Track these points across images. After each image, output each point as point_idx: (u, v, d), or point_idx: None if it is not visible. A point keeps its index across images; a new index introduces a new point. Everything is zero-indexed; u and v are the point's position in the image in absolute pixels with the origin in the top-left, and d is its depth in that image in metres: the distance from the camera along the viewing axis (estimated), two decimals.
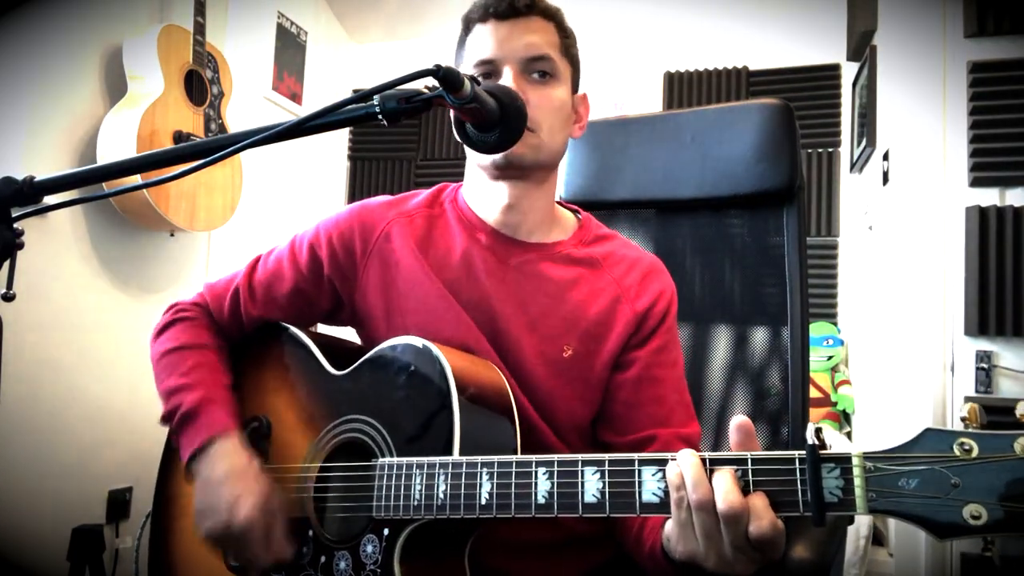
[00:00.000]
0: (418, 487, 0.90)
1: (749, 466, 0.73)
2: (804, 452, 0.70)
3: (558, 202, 1.19)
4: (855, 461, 0.68)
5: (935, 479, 0.66)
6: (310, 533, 1.00)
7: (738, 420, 0.76)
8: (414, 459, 0.91)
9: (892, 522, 2.65)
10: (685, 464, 0.74)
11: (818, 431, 0.70)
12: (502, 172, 1.05)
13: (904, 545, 2.48)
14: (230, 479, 0.98)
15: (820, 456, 0.70)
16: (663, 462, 0.77)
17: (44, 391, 2.34)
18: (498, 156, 1.01)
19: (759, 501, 0.71)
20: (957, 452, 0.66)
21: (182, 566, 1.12)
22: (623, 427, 1.06)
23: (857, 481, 0.68)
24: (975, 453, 0.65)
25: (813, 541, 1.13)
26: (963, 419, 0.69)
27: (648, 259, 1.14)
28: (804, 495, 0.70)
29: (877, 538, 2.73)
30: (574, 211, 1.19)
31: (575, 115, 1.14)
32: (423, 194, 1.17)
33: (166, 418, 1.08)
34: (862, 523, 2.55)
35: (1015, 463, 0.64)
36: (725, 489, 0.71)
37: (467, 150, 1.07)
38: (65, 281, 2.43)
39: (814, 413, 3.02)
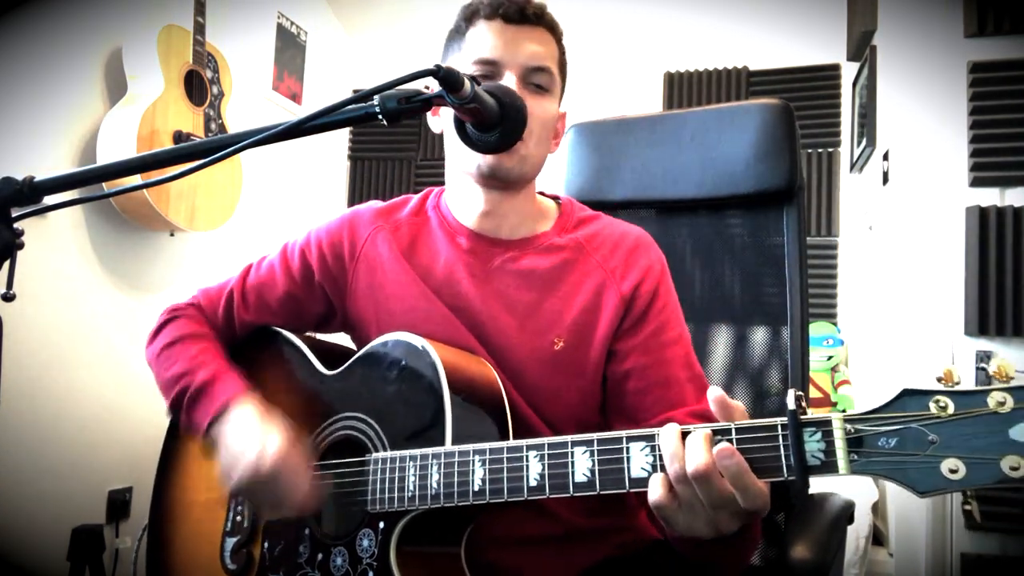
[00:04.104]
0: (412, 478, 0.90)
1: (733, 435, 0.75)
2: (786, 418, 0.72)
3: (539, 192, 1.18)
4: (836, 423, 0.71)
5: (913, 437, 0.68)
6: (307, 531, 1.00)
7: (713, 393, 0.77)
8: (407, 452, 0.92)
9: (892, 522, 2.65)
10: (665, 439, 0.76)
11: (799, 397, 0.71)
12: (486, 181, 1.05)
13: (904, 545, 2.48)
14: (254, 432, 0.97)
15: (801, 421, 0.72)
16: (651, 437, 0.79)
17: (44, 391, 2.34)
18: (483, 165, 1.01)
19: (724, 447, 0.73)
20: (933, 410, 0.68)
21: (178, 571, 1.12)
22: (636, 416, 1.05)
23: (838, 443, 0.70)
24: (951, 410, 0.68)
25: (813, 541, 1.13)
26: (939, 379, 0.72)
27: (632, 235, 1.13)
28: (788, 459, 0.72)
29: (877, 538, 2.73)
30: (554, 197, 1.19)
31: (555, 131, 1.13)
32: (412, 201, 1.18)
33: (174, 403, 1.07)
34: (862, 523, 2.55)
35: (989, 417, 0.66)
36: (694, 451, 0.74)
37: (447, 155, 1.09)
38: (65, 281, 2.43)
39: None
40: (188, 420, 1.06)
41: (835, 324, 3.28)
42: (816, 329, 3.18)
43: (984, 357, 2.34)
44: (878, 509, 2.74)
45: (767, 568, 1.26)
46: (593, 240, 1.11)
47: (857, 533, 2.53)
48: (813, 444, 0.71)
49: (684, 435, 0.76)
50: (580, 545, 1.07)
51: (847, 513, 1.31)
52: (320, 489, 0.98)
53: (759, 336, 1.37)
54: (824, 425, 0.71)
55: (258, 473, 0.94)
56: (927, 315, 2.42)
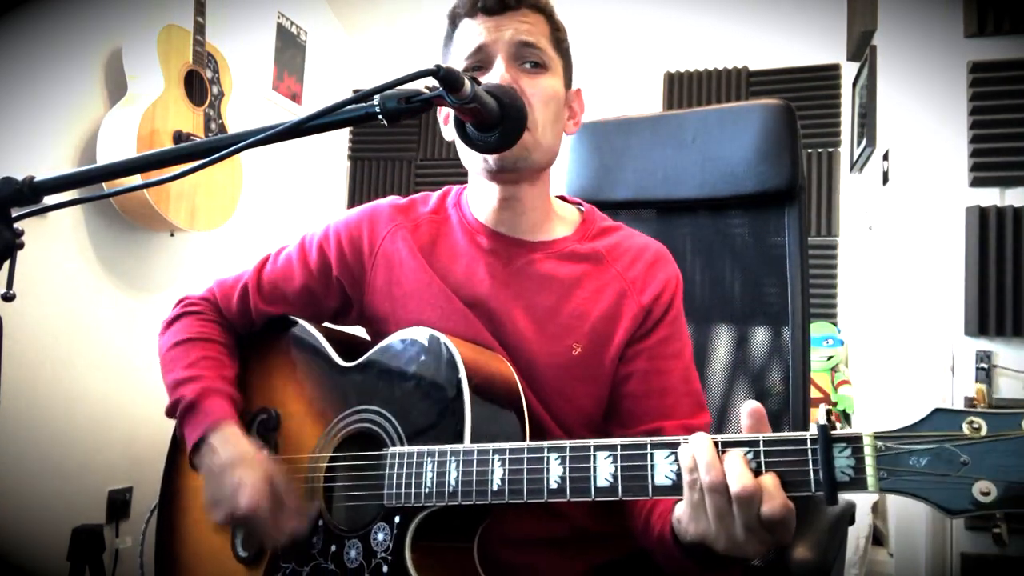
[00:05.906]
0: (430, 474, 0.90)
1: (761, 447, 0.74)
2: (815, 433, 0.71)
3: (561, 197, 1.18)
4: (866, 440, 0.70)
5: (945, 457, 0.67)
6: (320, 523, 1.00)
7: (750, 406, 0.76)
8: (425, 447, 0.92)
9: (892, 522, 2.65)
10: (698, 446, 0.75)
11: (828, 411, 0.71)
12: (495, 176, 1.04)
13: (904, 545, 2.48)
14: (230, 467, 0.99)
15: (831, 436, 0.71)
16: (675, 445, 0.78)
17: (44, 391, 2.34)
18: (491, 161, 1.00)
19: (771, 481, 0.72)
20: (966, 431, 0.67)
21: (188, 560, 1.12)
22: (629, 420, 1.05)
23: (868, 460, 0.69)
24: (984, 432, 0.66)
25: (814, 541, 1.13)
26: (971, 400, 0.70)
27: (653, 248, 1.13)
28: (816, 475, 0.71)
29: (877, 538, 2.73)
30: (577, 204, 1.19)
31: (569, 111, 1.12)
32: (431, 199, 1.17)
33: (170, 410, 1.09)
34: (862, 523, 2.55)
35: (1023, 440, 0.65)
36: (737, 471, 0.72)
37: (460, 151, 1.07)
38: (65, 281, 2.43)
39: (814, 413, 3.02)
40: (180, 434, 1.09)
41: (835, 324, 3.28)
42: (816, 329, 3.17)
43: (984, 357, 2.34)
44: (878, 509, 2.74)
45: (767, 568, 1.26)
46: (614, 250, 1.11)
47: (857, 533, 2.53)
48: (842, 460, 0.70)
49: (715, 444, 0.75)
50: (587, 547, 1.08)
51: (848, 514, 1.31)
52: (300, 520, 0.99)
53: (760, 336, 1.37)
54: (855, 441, 0.70)
55: (235, 515, 0.97)
56: (927, 315, 2.42)
